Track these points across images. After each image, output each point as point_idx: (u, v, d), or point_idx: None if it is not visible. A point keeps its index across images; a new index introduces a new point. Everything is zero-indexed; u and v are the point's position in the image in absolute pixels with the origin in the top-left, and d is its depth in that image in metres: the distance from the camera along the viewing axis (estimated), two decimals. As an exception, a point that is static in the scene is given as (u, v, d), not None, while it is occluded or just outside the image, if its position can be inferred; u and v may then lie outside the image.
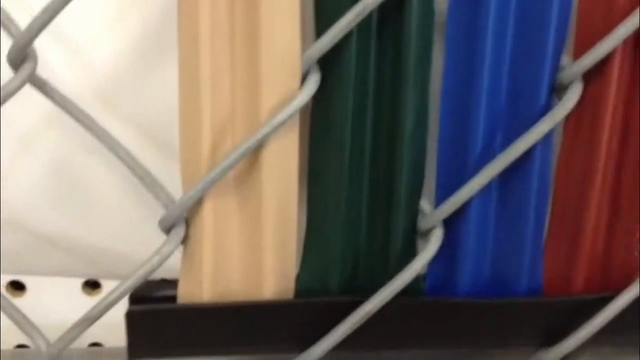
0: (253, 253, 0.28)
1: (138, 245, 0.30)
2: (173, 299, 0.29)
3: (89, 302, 0.31)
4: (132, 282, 0.27)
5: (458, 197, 0.28)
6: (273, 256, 0.28)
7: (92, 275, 0.35)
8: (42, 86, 0.26)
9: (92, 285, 0.36)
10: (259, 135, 0.26)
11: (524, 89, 0.27)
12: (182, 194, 0.27)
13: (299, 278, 0.29)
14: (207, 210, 0.27)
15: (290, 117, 0.26)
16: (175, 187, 0.27)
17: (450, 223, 0.29)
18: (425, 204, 0.29)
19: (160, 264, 0.27)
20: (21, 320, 0.27)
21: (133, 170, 0.27)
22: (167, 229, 0.28)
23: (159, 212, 0.27)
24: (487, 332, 0.30)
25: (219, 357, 0.30)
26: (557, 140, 0.28)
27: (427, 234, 0.29)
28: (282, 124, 0.26)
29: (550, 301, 0.30)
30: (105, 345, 0.37)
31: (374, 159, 0.28)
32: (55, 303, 0.36)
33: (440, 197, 0.29)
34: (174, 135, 0.27)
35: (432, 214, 0.29)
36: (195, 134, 0.26)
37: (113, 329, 0.32)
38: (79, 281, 0.36)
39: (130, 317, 0.28)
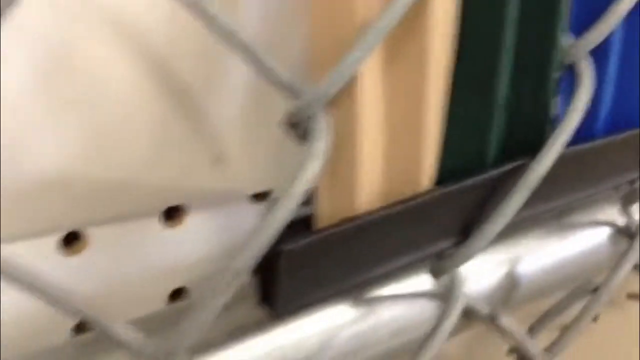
0: (413, 140, 0.21)
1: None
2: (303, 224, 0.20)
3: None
4: (291, 202, 0.18)
5: (608, 19, 0.24)
6: (433, 137, 0.21)
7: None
8: None
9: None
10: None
11: None
12: (316, 67, 0.19)
13: (442, 162, 0.23)
14: (364, 87, 0.19)
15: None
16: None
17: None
18: (565, 37, 0.24)
19: (318, 170, 0.18)
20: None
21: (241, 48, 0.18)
22: (298, 128, 0.19)
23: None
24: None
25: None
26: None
27: (569, 69, 0.24)
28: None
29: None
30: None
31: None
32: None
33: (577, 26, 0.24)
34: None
35: (577, 45, 0.24)
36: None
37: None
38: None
39: (284, 258, 0.19)
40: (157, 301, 0.28)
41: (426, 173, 0.22)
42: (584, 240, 0.33)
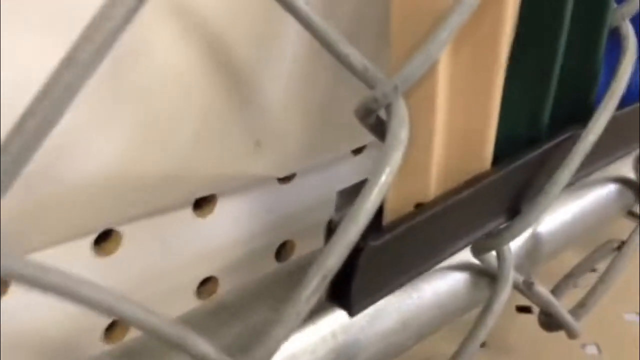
0: (478, 125, 0.20)
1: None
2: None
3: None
4: (373, 202, 0.17)
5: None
6: (497, 114, 0.21)
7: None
8: None
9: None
10: None
11: None
12: (392, 56, 0.18)
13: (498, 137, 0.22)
14: (441, 72, 0.18)
15: None
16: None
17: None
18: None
19: (401, 159, 0.17)
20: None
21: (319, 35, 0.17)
22: (369, 119, 0.18)
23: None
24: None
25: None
26: None
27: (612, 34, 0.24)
28: None
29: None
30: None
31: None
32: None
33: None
34: None
35: (621, 11, 0.23)
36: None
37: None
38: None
39: (366, 254, 0.18)
40: (187, 292, 0.27)
41: (489, 149, 0.21)
42: (598, 194, 0.33)
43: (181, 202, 0.24)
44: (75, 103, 0.18)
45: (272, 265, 0.29)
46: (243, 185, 0.26)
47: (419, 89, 0.18)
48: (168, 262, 0.25)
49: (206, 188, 0.24)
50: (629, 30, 0.24)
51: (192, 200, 0.24)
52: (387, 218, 0.19)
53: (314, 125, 0.24)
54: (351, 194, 0.19)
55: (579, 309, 0.29)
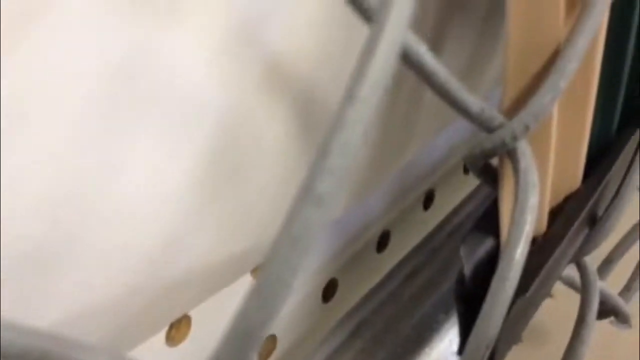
0: (573, 148, 0.19)
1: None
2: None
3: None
4: (525, 244, 0.16)
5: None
6: (587, 141, 0.20)
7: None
8: None
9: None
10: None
11: None
12: (506, 99, 0.16)
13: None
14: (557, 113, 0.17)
15: None
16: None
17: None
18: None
19: (537, 202, 0.16)
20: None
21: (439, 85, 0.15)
22: (478, 164, 0.17)
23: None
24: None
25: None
26: None
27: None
28: None
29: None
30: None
31: None
32: None
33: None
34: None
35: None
36: None
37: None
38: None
39: (520, 304, 0.17)
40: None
41: (580, 171, 0.20)
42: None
43: (239, 274, 0.22)
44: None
45: (320, 307, 0.28)
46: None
47: (536, 131, 0.17)
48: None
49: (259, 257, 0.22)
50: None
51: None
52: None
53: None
54: (476, 242, 0.18)
55: (627, 292, 0.30)
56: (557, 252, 0.19)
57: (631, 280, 0.29)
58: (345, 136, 0.10)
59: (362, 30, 0.11)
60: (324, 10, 0.16)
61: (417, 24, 0.12)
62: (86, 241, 0.13)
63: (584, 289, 0.23)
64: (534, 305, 0.20)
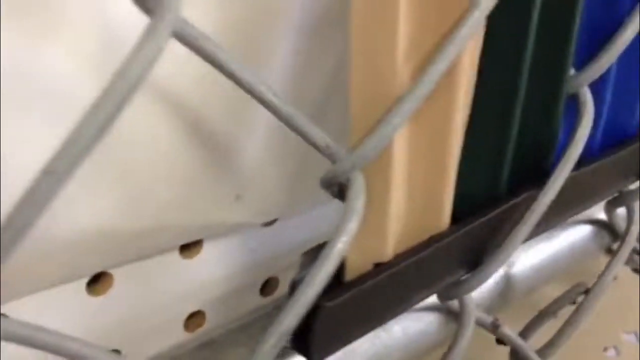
0: (436, 189, 0.22)
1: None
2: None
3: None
4: (328, 268, 0.19)
5: (609, 53, 0.25)
6: (453, 180, 0.22)
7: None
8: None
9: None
10: (466, 28, 0.19)
11: None
12: (354, 131, 0.20)
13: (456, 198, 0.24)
14: (398, 148, 0.20)
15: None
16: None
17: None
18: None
19: (357, 227, 0.19)
20: None
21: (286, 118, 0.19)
22: (335, 187, 0.20)
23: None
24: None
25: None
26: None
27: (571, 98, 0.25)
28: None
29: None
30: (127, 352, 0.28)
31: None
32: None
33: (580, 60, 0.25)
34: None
35: (580, 78, 0.25)
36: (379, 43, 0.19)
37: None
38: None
39: (324, 313, 0.20)
40: (175, 327, 0.29)
41: (447, 213, 0.23)
42: (570, 236, 0.35)
43: (168, 248, 0.26)
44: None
45: (257, 300, 0.31)
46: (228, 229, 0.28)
47: (376, 163, 0.20)
48: (157, 300, 0.27)
49: (190, 236, 0.26)
50: (587, 97, 0.25)
51: (180, 245, 0.27)
52: (348, 276, 0.21)
53: (292, 178, 0.26)
54: (314, 256, 0.21)
55: (547, 349, 0.31)
56: (394, 278, 0.21)
57: (554, 338, 0.31)
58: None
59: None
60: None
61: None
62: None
63: (459, 324, 0.25)
64: (370, 321, 0.23)
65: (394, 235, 0.22)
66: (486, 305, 0.32)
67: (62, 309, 0.25)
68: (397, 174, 0.20)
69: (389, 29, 0.18)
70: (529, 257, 0.33)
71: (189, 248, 0.27)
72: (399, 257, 0.22)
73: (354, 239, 0.21)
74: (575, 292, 0.31)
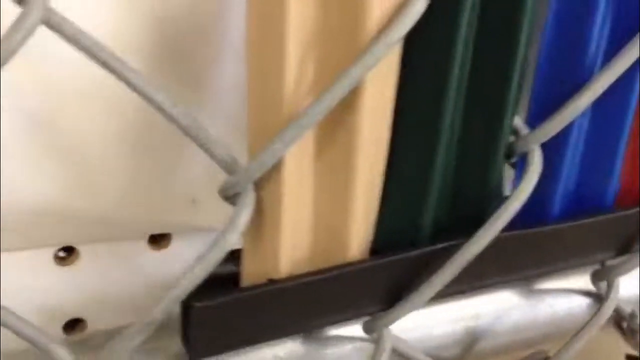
0: (340, 224, 0.23)
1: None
2: (230, 278, 0.23)
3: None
4: (204, 266, 0.21)
5: (563, 115, 0.25)
6: (361, 212, 0.23)
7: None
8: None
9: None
10: (360, 65, 0.20)
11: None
12: (250, 149, 0.22)
13: (377, 232, 0.25)
14: (289, 172, 0.22)
15: (398, 41, 0.20)
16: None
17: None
18: (519, 124, 0.25)
19: (235, 241, 0.21)
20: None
21: (184, 128, 0.21)
22: (232, 197, 0.22)
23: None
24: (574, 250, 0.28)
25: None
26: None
27: (521, 157, 0.25)
28: (388, 50, 0.20)
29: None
30: (88, 321, 0.31)
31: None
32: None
33: (535, 115, 0.25)
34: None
35: (529, 137, 0.25)
36: (270, 64, 0.20)
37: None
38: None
39: (194, 313, 0.22)
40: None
41: (355, 244, 0.24)
42: (551, 305, 0.34)
43: (133, 235, 0.29)
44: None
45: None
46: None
47: (269, 183, 0.22)
48: (123, 283, 0.30)
49: (153, 228, 0.29)
50: (535, 157, 0.25)
51: (146, 235, 0.30)
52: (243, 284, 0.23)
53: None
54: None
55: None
56: (285, 295, 0.23)
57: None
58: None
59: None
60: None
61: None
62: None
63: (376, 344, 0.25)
64: (260, 331, 0.24)
65: (292, 257, 0.23)
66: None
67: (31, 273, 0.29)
68: (291, 195, 0.22)
69: (277, 51, 0.20)
70: (501, 318, 0.33)
71: (157, 240, 0.30)
72: (294, 277, 0.23)
73: (248, 252, 0.23)
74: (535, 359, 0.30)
